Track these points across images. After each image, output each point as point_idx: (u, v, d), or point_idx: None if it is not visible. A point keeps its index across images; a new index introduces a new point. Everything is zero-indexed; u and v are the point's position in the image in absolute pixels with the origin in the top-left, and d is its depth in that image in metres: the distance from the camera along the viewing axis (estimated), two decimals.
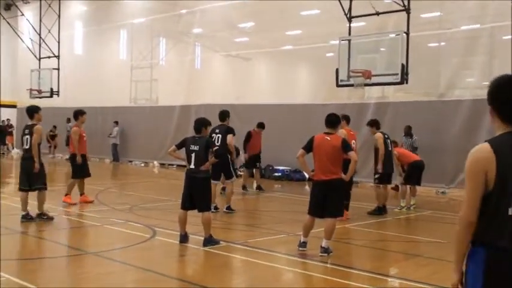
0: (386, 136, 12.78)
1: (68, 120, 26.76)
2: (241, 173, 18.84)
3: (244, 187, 16.57)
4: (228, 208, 12.28)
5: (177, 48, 27.78)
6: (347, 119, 12.11)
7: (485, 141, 3.11)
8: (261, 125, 17.03)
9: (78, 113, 13.27)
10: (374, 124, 12.93)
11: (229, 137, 12.35)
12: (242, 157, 17.78)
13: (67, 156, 20.09)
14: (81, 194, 13.15)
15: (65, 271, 7.59)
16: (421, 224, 12.32)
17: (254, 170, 17.20)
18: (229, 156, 12.33)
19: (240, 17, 24.54)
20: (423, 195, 15.37)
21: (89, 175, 13.29)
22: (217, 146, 11.78)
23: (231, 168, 12.36)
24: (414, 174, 13.25)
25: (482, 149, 3.07)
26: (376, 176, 12.62)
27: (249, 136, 16.75)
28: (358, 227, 11.04)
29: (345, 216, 10.89)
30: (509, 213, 3.03)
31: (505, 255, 3.03)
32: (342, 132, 11.09)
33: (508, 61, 16.56)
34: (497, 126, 3.18)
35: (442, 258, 8.19)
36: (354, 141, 11.83)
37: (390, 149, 12.81)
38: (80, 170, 13.03)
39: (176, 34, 27.46)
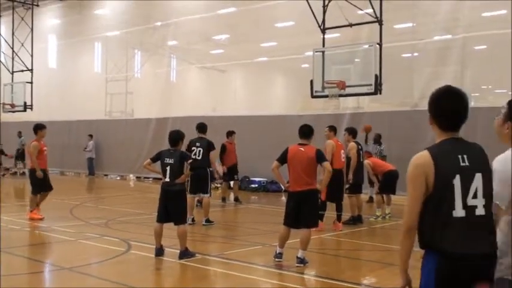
0: (360, 147, 12.90)
1: (19, 134, 26.57)
2: (220, 185, 18.85)
3: (223, 199, 16.57)
4: (207, 221, 12.21)
5: (152, 61, 27.71)
6: (334, 130, 12.27)
7: (425, 149, 3.30)
8: (229, 133, 16.99)
9: (38, 128, 12.80)
10: (351, 132, 13.03)
11: (213, 155, 12.37)
12: (220, 170, 17.76)
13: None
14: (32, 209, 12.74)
15: None
16: (396, 233, 12.36)
17: (232, 182, 17.15)
18: (209, 172, 12.24)
19: (214, 29, 24.62)
20: (398, 204, 15.43)
21: (50, 189, 12.94)
22: (198, 159, 11.79)
23: (209, 184, 12.26)
24: (389, 183, 13.32)
25: (420, 156, 3.27)
26: (347, 186, 12.70)
27: (224, 148, 16.71)
28: (333, 237, 11.08)
29: (319, 227, 11.00)
30: (454, 215, 3.17)
31: (453, 262, 3.16)
32: (330, 143, 11.32)
33: (479, 71, 16.89)
34: (437, 134, 3.39)
35: (418, 267, 8.21)
36: (342, 151, 11.99)
37: (362, 160, 12.93)
38: (39, 185, 12.69)
39: (151, 46, 27.40)
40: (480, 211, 3.23)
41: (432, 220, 3.21)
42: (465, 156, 3.25)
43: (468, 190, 3.21)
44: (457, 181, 3.18)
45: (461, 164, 3.22)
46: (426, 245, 3.26)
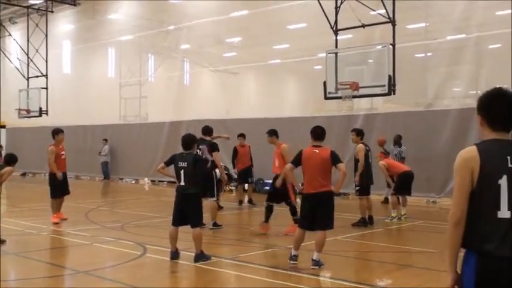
0: (367, 148, 12.81)
1: None
2: (234, 189, 18.90)
3: (240, 202, 16.58)
4: (214, 224, 12.08)
5: (166, 65, 27.81)
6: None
7: (473, 144, 3.30)
8: (240, 135, 16.98)
9: (55, 132, 13.15)
10: (360, 133, 12.93)
11: (215, 155, 12.04)
12: (233, 173, 17.79)
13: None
14: (58, 211, 13.12)
15: None
16: (412, 234, 12.33)
17: (247, 185, 17.14)
18: (215, 174, 12.02)
19: (227, 32, 24.67)
20: (414, 205, 15.40)
21: (68, 193, 13.25)
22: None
23: (215, 187, 11.99)
24: (404, 184, 13.25)
25: (468, 149, 3.26)
26: (357, 188, 12.66)
27: (235, 152, 16.76)
28: (349, 239, 11.04)
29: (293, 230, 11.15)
30: (498, 216, 3.13)
31: (494, 262, 3.11)
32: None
33: (493, 70, 16.76)
34: (485, 134, 3.35)
35: (434, 268, 8.20)
36: None
37: (370, 161, 12.85)
38: (58, 189, 12.99)
39: (164, 50, 27.51)
40: None
41: (475, 219, 3.19)
42: None
43: None
44: (503, 182, 3.16)
45: (510, 165, 3.19)
46: (467, 244, 3.23)
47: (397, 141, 16.44)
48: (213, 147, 12.20)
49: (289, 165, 8.46)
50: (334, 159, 8.30)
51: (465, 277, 3.21)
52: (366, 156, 12.60)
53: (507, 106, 3.30)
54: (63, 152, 13.13)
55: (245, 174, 16.82)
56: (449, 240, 3.28)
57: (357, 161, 12.63)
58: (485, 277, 3.12)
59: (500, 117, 3.30)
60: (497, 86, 3.42)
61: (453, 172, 3.28)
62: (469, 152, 3.24)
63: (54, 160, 12.83)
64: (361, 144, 12.65)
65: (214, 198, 12.09)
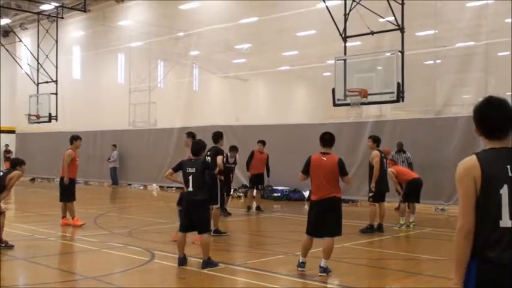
0: (382, 155, 12.79)
1: None
2: (242, 194, 18.88)
3: (248, 208, 16.57)
4: (216, 231, 11.80)
5: (175, 71, 27.90)
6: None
7: (472, 153, 3.32)
8: (260, 142, 16.99)
9: (73, 138, 13.60)
10: (376, 140, 12.93)
11: (219, 158, 11.89)
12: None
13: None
14: (64, 217, 13.36)
15: None
16: (420, 241, 12.28)
17: (256, 191, 17.14)
18: (219, 182, 11.88)
19: (236, 38, 24.74)
20: (422, 213, 15.34)
21: (74, 199, 13.51)
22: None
23: (218, 194, 11.83)
24: (413, 191, 13.21)
25: (468, 159, 3.29)
26: (371, 194, 12.62)
27: (251, 155, 16.80)
28: (357, 246, 11.01)
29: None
30: (501, 225, 3.15)
31: (494, 269, 3.12)
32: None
33: (503, 77, 16.71)
34: (484, 143, 3.40)
35: (443, 276, 8.16)
36: None
37: (385, 168, 12.81)
38: (69, 193, 13.28)
39: (174, 57, 27.60)
40: None
41: (477, 227, 3.19)
42: None
43: None
44: (504, 191, 3.17)
45: (510, 174, 3.20)
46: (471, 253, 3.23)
47: (400, 148, 16.48)
48: (219, 153, 12.12)
49: (300, 176, 8.44)
50: (341, 169, 8.26)
51: (468, 282, 3.22)
52: (381, 163, 12.58)
53: (498, 115, 3.31)
54: (77, 158, 13.46)
55: (256, 180, 16.83)
56: (458, 252, 3.24)
57: (371, 167, 12.60)
58: (486, 284, 3.14)
59: (493, 127, 3.32)
60: (489, 95, 3.43)
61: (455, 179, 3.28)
62: (470, 161, 3.26)
63: (69, 163, 13.11)
64: (376, 151, 12.64)
65: (218, 206, 12.01)
